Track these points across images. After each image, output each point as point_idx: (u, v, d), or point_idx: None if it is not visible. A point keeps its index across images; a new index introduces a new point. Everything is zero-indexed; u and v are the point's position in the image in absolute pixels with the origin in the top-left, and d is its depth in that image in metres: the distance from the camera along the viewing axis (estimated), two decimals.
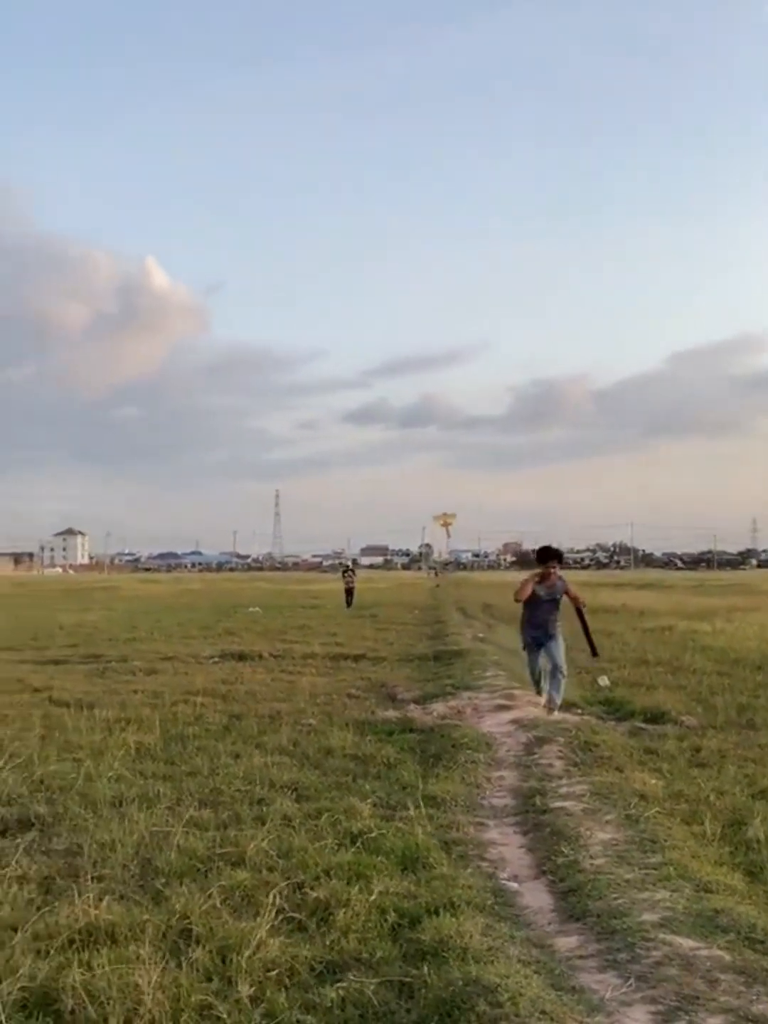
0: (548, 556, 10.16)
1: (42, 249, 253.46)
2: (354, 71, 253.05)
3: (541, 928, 4.21)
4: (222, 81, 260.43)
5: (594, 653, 10.84)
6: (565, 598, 10.20)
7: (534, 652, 10.23)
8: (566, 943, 3.98)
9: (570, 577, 12.42)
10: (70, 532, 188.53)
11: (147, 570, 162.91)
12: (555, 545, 10.75)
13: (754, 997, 3.32)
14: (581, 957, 3.82)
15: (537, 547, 10.67)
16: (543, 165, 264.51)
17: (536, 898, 4.62)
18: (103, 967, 3.50)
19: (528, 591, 10.07)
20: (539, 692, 10.20)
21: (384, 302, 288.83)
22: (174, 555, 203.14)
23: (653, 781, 6.57)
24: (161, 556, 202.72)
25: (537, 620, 10.11)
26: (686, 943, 3.76)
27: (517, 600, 10.31)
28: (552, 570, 10.09)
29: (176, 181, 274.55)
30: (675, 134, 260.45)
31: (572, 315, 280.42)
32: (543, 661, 10.10)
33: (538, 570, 10.21)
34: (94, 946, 3.78)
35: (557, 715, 9.36)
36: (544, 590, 10.07)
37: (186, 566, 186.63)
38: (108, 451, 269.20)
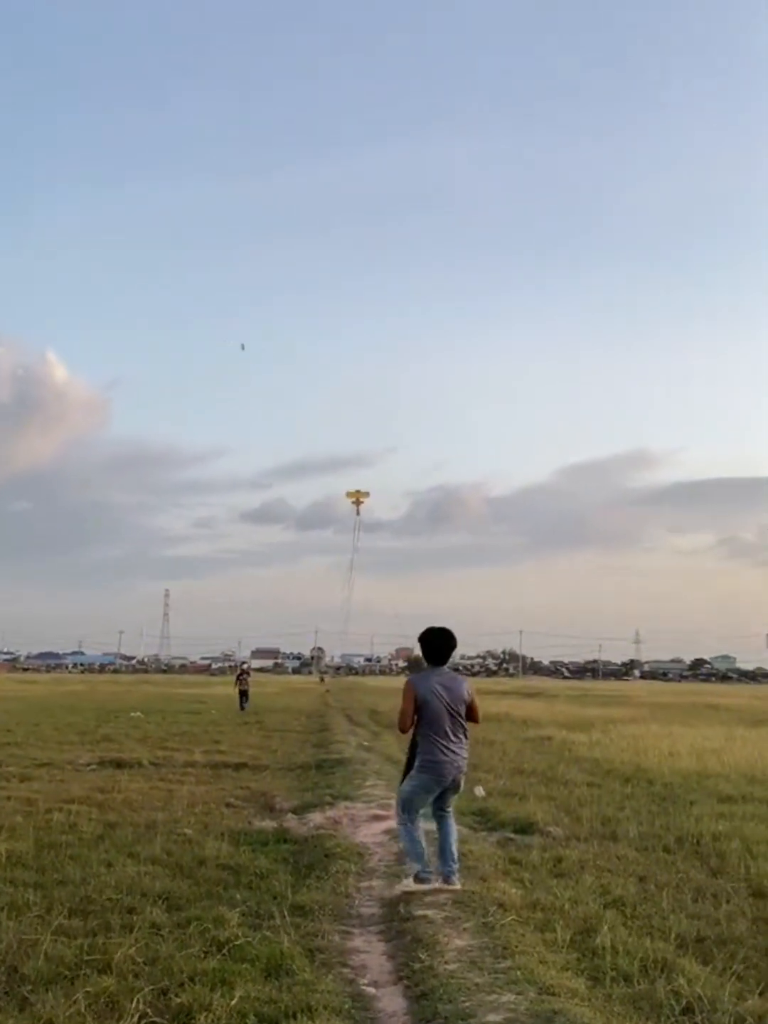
0: (446, 644, 7.00)
1: None
2: (263, 184, 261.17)
3: None
4: (127, 182, 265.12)
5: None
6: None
7: (422, 798, 6.93)
8: None
9: None
10: None
11: (26, 670, 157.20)
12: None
13: None
14: None
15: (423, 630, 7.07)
16: (444, 282, 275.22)
17: (392, 1002, 4.85)
18: None
19: (412, 704, 6.82)
20: (420, 867, 6.86)
21: (287, 403, 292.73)
22: (55, 655, 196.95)
23: (513, 891, 6.87)
24: (41, 655, 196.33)
25: (435, 746, 6.78)
26: None
27: (403, 730, 7.02)
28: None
29: (78, 276, 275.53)
30: (570, 256, 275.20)
31: (471, 424, 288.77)
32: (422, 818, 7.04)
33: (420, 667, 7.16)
34: None
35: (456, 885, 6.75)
36: (446, 694, 6.84)
37: (67, 667, 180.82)
38: None
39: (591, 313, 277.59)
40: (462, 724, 6.93)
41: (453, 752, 6.82)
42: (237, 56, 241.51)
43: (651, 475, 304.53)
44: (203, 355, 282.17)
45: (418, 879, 6.81)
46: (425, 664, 7.16)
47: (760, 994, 4.92)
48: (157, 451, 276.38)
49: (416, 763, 6.90)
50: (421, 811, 7.03)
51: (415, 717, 6.87)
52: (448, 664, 7.12)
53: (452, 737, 6.82)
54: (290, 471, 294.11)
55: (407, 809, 6.96)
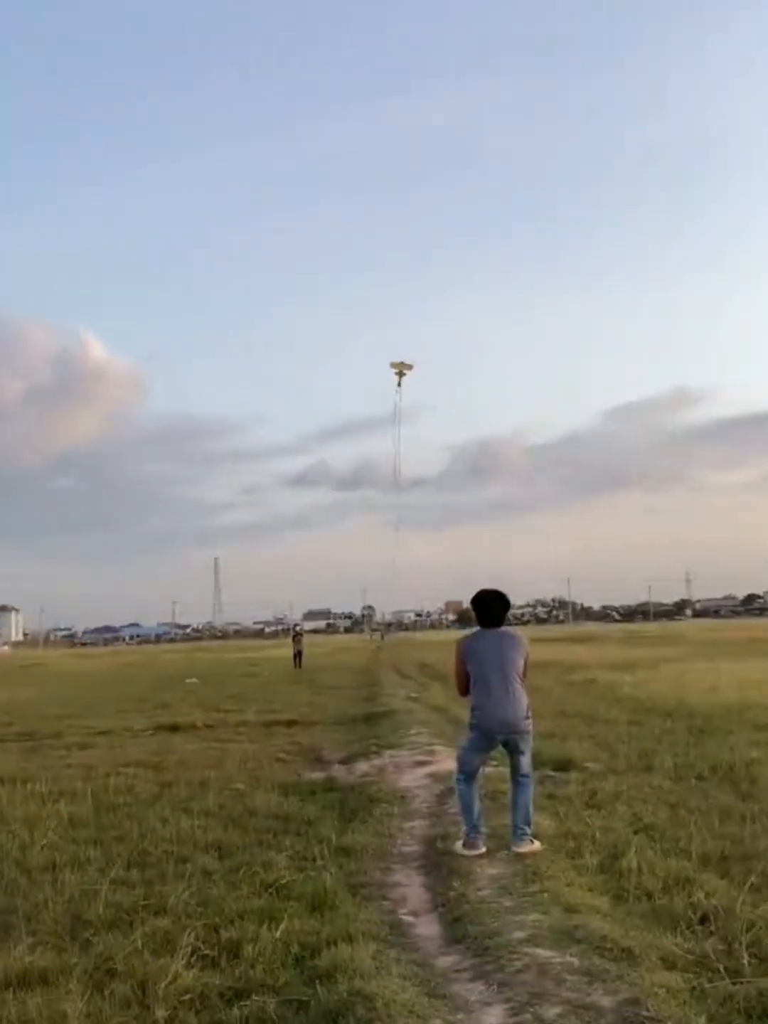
0: (499, 606, 6.81)
1: None
2: (289, 148, 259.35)
3: (426, 951, 4.80)
4: (160, 156, 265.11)
5: None
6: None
7: (472, 757, 6.74)
8: (446, 961, 4.60)
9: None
10: (3, 608, 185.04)
11: (83, 645, 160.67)
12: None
13: (591, 992, 3.94)
14: (456, 971, 4.43)
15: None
16: (474, 233, 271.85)
17: (428, 928, 5.20)
18: (36, 1001, 4.01)
19: (462, 665, 6.73)
20: (469, 831, 6.62)
21: (321, 368, 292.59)
22: (111, 629, 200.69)
23: (546, 822, 7.18)
24: (98, 630, 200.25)
25: (483, 702, 6.58)
26: (544, 953, 4.39)
27: (462, 694, 6.92)
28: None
29: (111, 252, 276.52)
30: (606, 197, 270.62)
31: (508, 374, 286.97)
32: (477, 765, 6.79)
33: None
34: (27, 987, 4.29)
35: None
36: (497, 653, 6.63)
37: (124, 639, 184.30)
38: (44, 524, 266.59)
39: (622, 253, 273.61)
40: (515, 679, 6.58)
41: (502, 707, 6.51)
42: (258, 21, 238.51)
43: (692, 413, 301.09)
44: (237, 324, 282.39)
45: (465, 844, 6.56)
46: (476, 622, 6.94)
47: None
48: (197, 422, 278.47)
49: (468, 721, 6.82)
50: (480, 771, 6.85)
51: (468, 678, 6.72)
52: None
53: (501, 692, 6.52)
54: (328, 435, 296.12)
55: (460, 769, 6.78)
